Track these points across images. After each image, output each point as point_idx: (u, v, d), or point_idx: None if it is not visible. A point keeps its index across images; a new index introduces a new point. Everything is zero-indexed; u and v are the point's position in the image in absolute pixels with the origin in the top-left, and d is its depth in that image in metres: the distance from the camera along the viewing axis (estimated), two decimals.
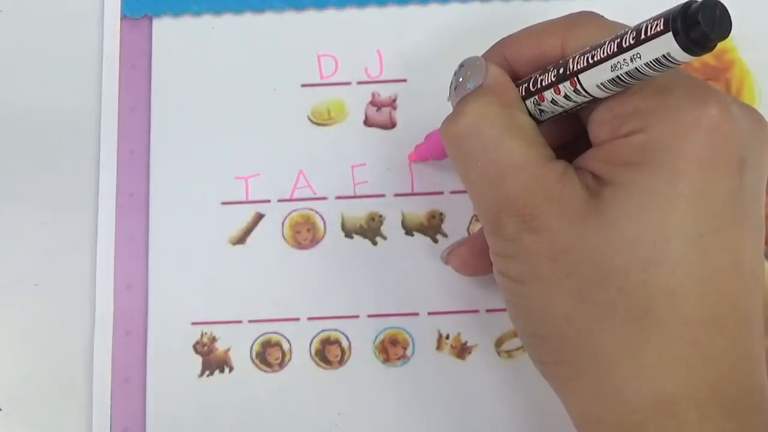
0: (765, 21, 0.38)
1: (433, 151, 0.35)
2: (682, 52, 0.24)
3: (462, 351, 0.35)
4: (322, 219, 0.37)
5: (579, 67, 0.27)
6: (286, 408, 0.35)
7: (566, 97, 0.28)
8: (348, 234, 0.37)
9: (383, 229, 0.36)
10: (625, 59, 0.25)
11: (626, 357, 0.26)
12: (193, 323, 0.36)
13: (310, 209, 0.37)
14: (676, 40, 0.24)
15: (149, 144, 0.38)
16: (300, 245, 0.37)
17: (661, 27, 0.24)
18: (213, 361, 0.36)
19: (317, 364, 0.35)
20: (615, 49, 0.26)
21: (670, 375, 0.25)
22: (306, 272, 0.36)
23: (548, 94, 0.28)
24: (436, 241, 0.36)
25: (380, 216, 0.37)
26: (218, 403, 0.35)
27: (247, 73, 0.38)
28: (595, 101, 0.27)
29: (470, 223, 0.36)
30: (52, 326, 0.36)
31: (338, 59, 0.38)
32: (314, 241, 0.37)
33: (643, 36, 0.25)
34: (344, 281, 0.36)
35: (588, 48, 0.27)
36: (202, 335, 0.36)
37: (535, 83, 0.29)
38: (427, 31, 0.38)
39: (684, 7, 0.24)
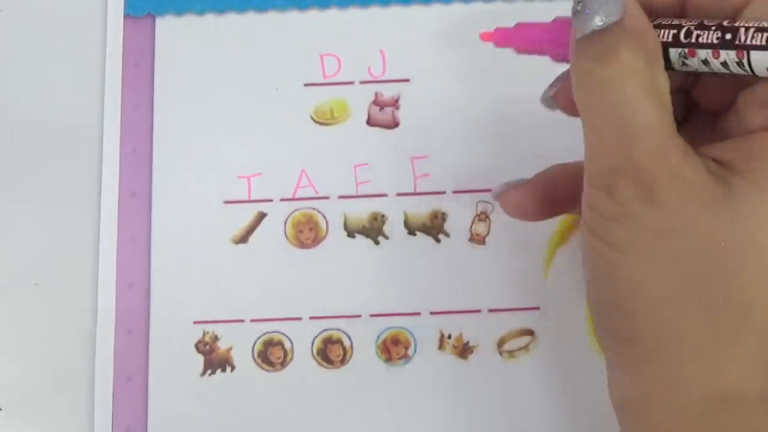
0: None
1: (527, 45, 0.32)
2: None
3: (464, 351, 0.35)
4: (325, 218, 0.37)
5: (755, 42, 0.24)
6: (287, 407, 0.35)
7: (724, 64, 0.25)
8: (350, 233, 0.37)
9: (386, 228, 0.36)
10: None
11: (715, 351, 0.25)
12: (195, 322, 0.36)
13: (313, 209, 0.37)
14: None
15: (152, 143, 0.38)
16: (302, 245, 0.37)
17: None
18: (215, 360, 0.36)
19: (319, 364, 0.35)
20: None
21: (753, 375, 0.25)
22: (308, 272, 0.36)
23: (703, 53, 0.25)
24: (438, 240, 0.36)
25: (383, 216, 0.37)
26: (220, 402, 0.35)
27: (250, 73, 0.38)
28: (754, 78, 0.25)
29: (472, 222, 0.36)
30: (53, 325, 0.36)
31: (341, 59, 0.38)
32: (316, 240, 0.37)
33: None
34: (346, 281, 0.36)
35: (767, 24, 0.24)
36: (204, 334, 0.36)
37: (689, 35, 0.26)
38: (430, 31, 0.38)
39: None
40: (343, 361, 0.35)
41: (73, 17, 0.39)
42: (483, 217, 0.36)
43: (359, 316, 0.36)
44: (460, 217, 0.36)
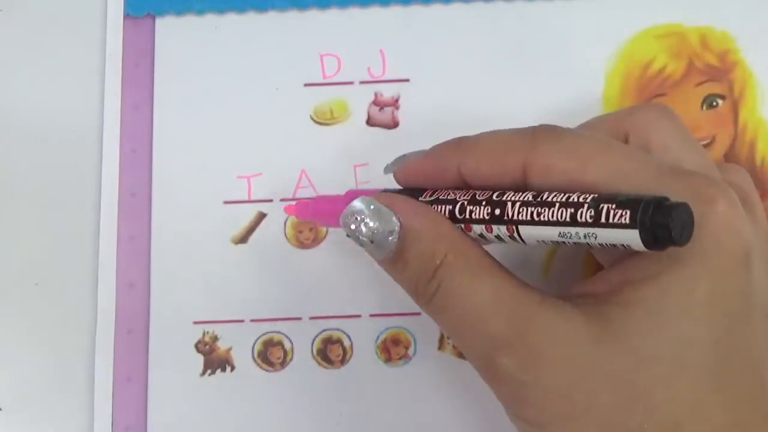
0: None
1: (324, 218, 0.33)
2: (641, 245, 0.23)
3: None
4: None
5: (521, 217, 0.25)
6: (287, 407, 0.35)
7: (498, 238, 0.26)
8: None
9: None
10: (577, 233, 0.24)
11: None
12: (195, 322, 0.36)
13: None
14: (641, 236, 0.23)
15: (152, 143, 0.37)
16: (302, 245, 0.37)
17: (627, 220, 0.23)
18: (215, 361, 0.36)
19: (319, 364, 0.35)
20: (567, 219, 0.24)
21: None
22: (308, 272, 0.36)
23: (478, 228, 0.27)
24: None
25: None
26: (220, 402, 0.35)
27: (250, 73, 0.38)
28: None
29: None
30: (53, 325, 0.36)
31: (341, 59, 0.38)
32: (316, 240, 0.37)
33: (603, 220, 0.23)
34: (346, 281, 0.36)
35: (531, 198, 0.25)
36: (203, 334, 0.36)
37: (462, 211, 0.27)
38: (430, 30, 0.38)
39: (654, 205, 0.23)
40: (343, 361, 0.35)
41: (73, 17, 0.39)
42: None
43: (359, 316, 0.36)
44: None
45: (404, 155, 0.30)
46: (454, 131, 0.37)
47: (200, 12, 0.39)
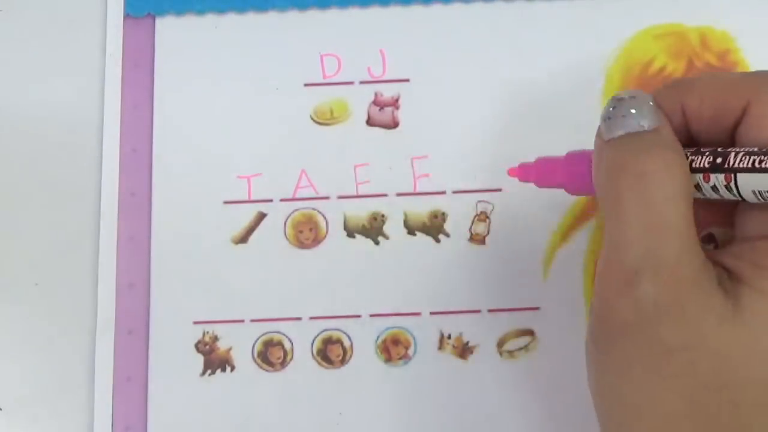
0: None
1: (544, 179, 0.32)
2: None
3: (464, 351, 0.35)
4: (325, 218, 0.37)
5: (741, 165, 0.25)
6: (287, 407, 0.35)
7: (714, 188, 0.25)
8: (350, 233, 0.37)
9: (385, 228, 0.36)
10: None
11: None
12: (195, 322, 0.36)
13: (313, 209, 0.37)
14: None
15: (152, 143, 0.38)
16: (302, 245, 0.37)
17: None
18: (215, 361, 0.36)
19: (319, 364, 0.35)
20: None
21: None
22: (308, 272, 0.36)
23: (694, 178, 0.26)
24: (438, 240, 0.36)
25: (382, 215, 0.37)
26: (220, 402, 0.35)
27: (250, 72, 0.38)
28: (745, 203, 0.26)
29: (472, 222, 0.36)
30: (53, 325, 0.36)
31: (341, 59, 0.38)
32: (316, 240, 0.37)
33: None
34: (346, 281, 0.36)
35: (757, 149, 0.25)
36: (203, 334, 0.36)
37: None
38: (430, 31, 0.38)
39: None
40: (343, 361, 0.35)
41: (73, 17, 0.39)
42: (483, 217, 0.36)
43: (359, 316, 0.36)
44: (459, 217, 0.36)
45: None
46: (454, 131, 0.37)
47: (200, 12, 0.39)
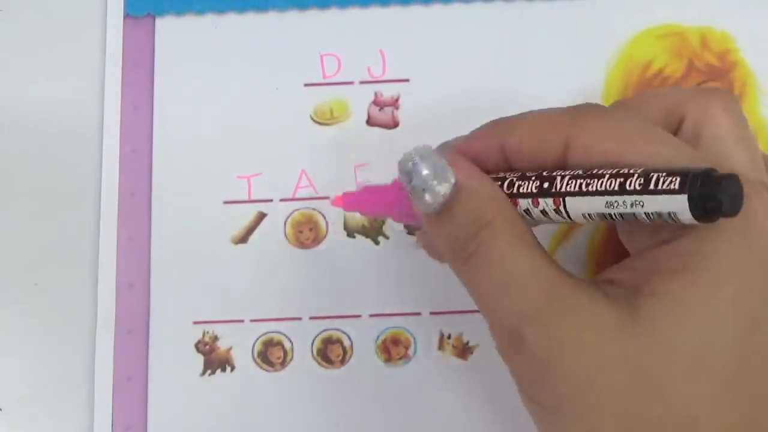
0: None
1: (370, 207, 0.32)
2: (689, 215, 0.23)
3: (464, 351, 0.35)
4: (324, 218, 0.37)
5: (568, 189, 0.25)
6: (287, 407, 0.35)
7: (543, 212, 0.26)
8: (350, 233, 0.37)
9: (385, 228, 0.36)
10: (624, 201, 0.24)
11: None
12: (195, 322, 0.36)
13: (313, 209, 0.37)
14: (689, 205, 0.23)
15: (151, 143, 0.37)
16: (302, 245, 0.37)
17: (676, 186, 0.23)
18: (215, 360, 0.36)
19: (319, 364, 0.35)
20: (616, 188, 0.24)
21: None
22: (308, 272, 0.36)
23: (524, 203, 0.26)
24: None
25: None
26: (220, 402, 0.35)
27: (250, 72, 0.38)
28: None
29: None
30: (53, 325, 0.36)
31: (341, 59, 0.38)
32: (316, 240, 0.37)
33: (652, 186, 0.23)
34: (346, 281, 0.36)
35: (581, 171, 0.25)
36: (203, 334, 0.36)
37: (510, 186, 0.27)
38: (430, 30, 0.38)
39: (704, 174, 0.23)
40: (343, 361, 0.35)
41: (73, 17, 0.39)
42: None
43: (359, 316, 0.36)
44: None
45: (446, 142, 0.30)
46: (454, 131, 0.37)
47: (200, 12, 0.39)
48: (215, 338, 0.36)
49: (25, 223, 0.37)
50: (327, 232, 0.37)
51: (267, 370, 0.35)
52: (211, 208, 0.37)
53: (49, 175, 0.38)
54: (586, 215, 0.25)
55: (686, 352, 0.24)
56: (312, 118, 0.38)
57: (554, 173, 0.26)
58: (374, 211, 0.33)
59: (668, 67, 0.38)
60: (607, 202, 0.24)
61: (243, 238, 0.37)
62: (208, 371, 0.35)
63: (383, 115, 0.38)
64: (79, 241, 0.37)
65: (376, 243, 0.36)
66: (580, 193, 0.25)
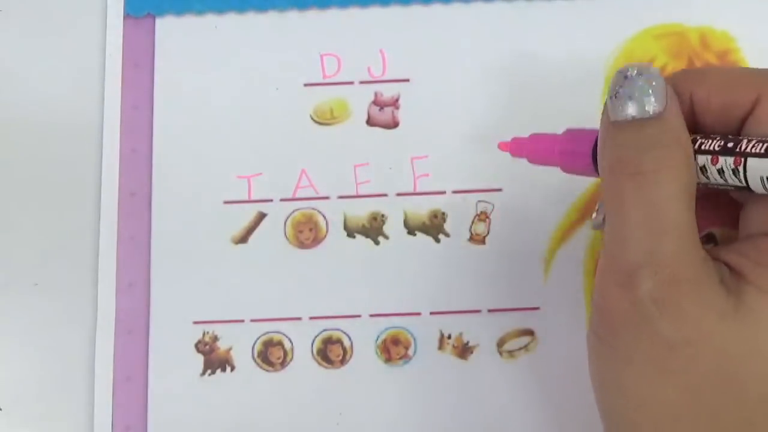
0: None
1: (538, 155, 0.32)
2: None
3: (464, 351, 0.35)
4: (325, 218, 0.37)
5: (753, 150, 0.25)
6: (287, 407, 0.35)
7: (720, 172, 0.25)
8: (350, 233, 0.37)
9: (385, 228, 0.36)
10: None
11: None
12: (195, 322, 0.36)
13: (313, 208, 0.37)
14: None
15: (151, 143, 0.38)
16: (302, 245, 0.37)
17: None
18: (215, 360, 0.36)
19: (319, 364, 0.35)
20: None
21: None
22: (308, 272, 0.36)
23: (702, 159, 0.26)
24: (438, 240, 0.36)
25: (382, 215, 0.37)
26: (220, 402, 0.35)
27: (250, 72, 0.38)
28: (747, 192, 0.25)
29: (472, 222, 0.36)
30: (53, 325, 0.36)
31: (341, 59, 0.38)
32: (316, 240, 0.37)
33: None
34: (346, 281, 0.36)
35: None
36: (203, 334, 0.36)
37: (693, 142, 0.26)
38: (430, 30, 0.38)
39: None
40: (343, 361, 0.35)
41: (73, 17, 0.39)
42: (483, 217, 0.36)
43: (359, 316, 0.36)
44: (460, 217, 0.36)
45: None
46: (454, 131, 0.37)
47: (200, 12, 0.39)
48: (215, 338, 0.36)
49: (25, 223, 0.37)
50: (327, 232, 0.37)
51: (267, 370, 0.35)
52: (211, 207, 0.37)
53: (50, 175, 0.38)
54: (764, 179, 0.24)
55: None
56: (312, 118, 0.38)
57: (740, 137, 0.25)
58: (542, 159, 0.31)
59: (668, 66, 0.38)
60: None
61: (243, 238, 0.37)
62: (208, 371, 0.35)
63: (383, 115, 0.38)
64: (79, 241, 0.37)
65: (376, 243, 0.36)
66: (765, 155, 0.24)
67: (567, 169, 0.30)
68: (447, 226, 0.36)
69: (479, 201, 0.37)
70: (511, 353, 0.35)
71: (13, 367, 0.36)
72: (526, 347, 0.35)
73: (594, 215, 0.31)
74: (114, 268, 0.36)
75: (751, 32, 0.38)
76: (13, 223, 0.37)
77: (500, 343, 0.35)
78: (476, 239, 0.36)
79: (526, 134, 0.36)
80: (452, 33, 0.38)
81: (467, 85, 0.38)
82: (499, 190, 0.36)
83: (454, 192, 0.37)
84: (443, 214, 0.37)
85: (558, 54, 0.38)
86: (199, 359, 0.36)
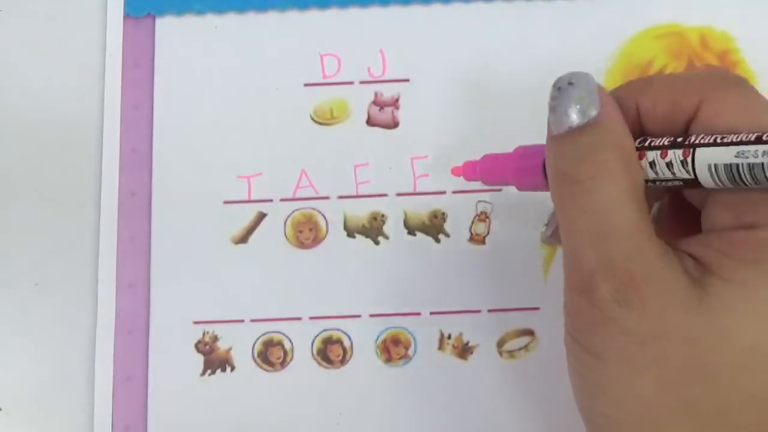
0: None
1: (491, 176, 0.32)
2: None
3: (464, 351, 0.35)
4: (325, 218, 0.37)
5: (701, 141, 0.25)
6: (287, 407, 0.35)
7: (669, 165, 0.26)
8: (350, 233, 0.37)
9: (385, 228, 0.36)
10: (756, 151, 0.24)
11: None
12: (195, 322, 0.36)
13: (313, 209, 0.37)
14: None
15: (152, 143, 0.38)
16: (302, 245, 0.37)
17: None
18: (215, 361, 0.36)
19: (319, 364, 0.35)
20: (752, 138, 0.24)
21: None
22: (308, 272, 0.36)
23: (651, 155, 0.26)
24: (438, 240, 0.36)
25: (382, 215, 0.37)
26: (220, 402, 0.35)
27: (250, 72, 0.38)
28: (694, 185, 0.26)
29: (472, 222, 0.36)
30: (53, 325, 0.36)
31: (341, 59, 0.38)
32: (316, 240, 0.37)
33: None
34: (346, 281, 0.36)
35: (718, 134, 0.25)
36: (203, 334, 0.36)
37: (642, 142, 0.27)
38: (430, 30, 0.38)
39: None
40: (343, 361, 0.35)
41: (73, 17, 0.39)
42: (483, 217, 0.36)
43: (359, 316, 0.36)
44: (460, 217, 0.36)
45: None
46: (454, 131, 0.37)
47: (200, 12, 0.39)
48: (215, 338, 0.36)
49: (25, 223, 0.37)
50: (327, 232, 0.37)
51: (267, 371, 0.35)
52: (211, 207, 0.37)
53: (49, 175, 0.38)
54: (712, 167, 0.25)
55: (743, 346, 0.24)
56: (312, 118, 0.38)
57: (689, 135, 0.26)
58: (495, 180, 0.32)
59: (668, 66, 0.38)
60: (738, 152, 0.24)
61: (243, 238, 0.37)
62: (208, 371, 0.35)
63: (383, 115, 0.38)
64: (79, 241, 0.37)
65: (376, 243, 0.36)
66: (713, 144, 0.25)
67: (521, 187, 0.30)
68: (447, 226, 0.36)
69: (479, 201, 0.37)
70: (511, 353, 0.35)
71: (13, 367, 0.36)
72: (526, 347, 0.35)
73: (543, 228, 0.32)
74: (114, 268, 0.36)
75: (751, 32, 0.38)
76: (13, 223, 0.37)
77: (500, 343, 0.35)
78: (476, 239, 0.36)
79: (528, 134, 0.36)
80: (452, 33, 0.38)
81: (467, 85, 0.38)
82: (499, 190, 0.36)
83: (454, 192, 0.37)
84: (443, 214, 0.37)
85: (558, 54, 0.38)
86: (199, 359, 0.36)
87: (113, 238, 0.37)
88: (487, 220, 0.36)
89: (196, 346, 0.36)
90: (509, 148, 0.33)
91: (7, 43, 0.39)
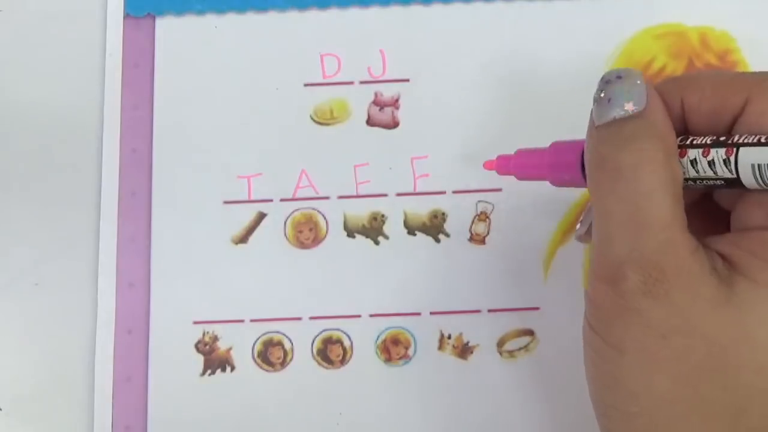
0: None
1: (525, 171, 0.32)
2: None
3: (464, 351, 0.35)
4: (325, 218, 0.37)
5: (745, 141, 0.25)
6: (287, 407, 0.35)
7: (711, 163, 0.26)
8: (350, 233, 0.37)
9: (385, 228, 0.36)
10: None
11: None
12: (195, 322, 0.36)
13: (313, 209, 0.37)
14: None
15: (152, 143, 0.38)
16: (302, 245, 0.37)
17: None
18: (215, 361, 0.36)
19: (319, 364, 0.35)
20: None
21: None
22: (308, 272, 0.36)
23: (693, 153, 0.26)
24: (438, 240, 0.36)
25: (382, 215, 0.37)
26: (220, 402, 0.35)
27: (250, 72, 0.38)
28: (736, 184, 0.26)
29: (472, 222, 0.36)
30: (53, 325, 0.36)
31: (341, 59, 0.38)
32: (316, 240, 0.37)
33: None
34: (346, 281, 0.36)
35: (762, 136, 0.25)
36: (203, 334, 0.36)
37: (684, 139, 0.27)
38: (430, 30, 0.38)
39: None
40: (343, 361, 0.35)
41: (73, 17, 0.39)
42: (483, 217, 0.36)
43: (359, 316, 0.36)
44: (460, 217, 0.36)
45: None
46: (454, 131, 0.37)
47: (200, 12, 0.39)
48: (215, 338, 0.36)
49: (25, 223, 0.37)
50: (327, 232, 0.37)
51: (267, 371, 0.35)
52: (211, 207, 0.37)
53: (50, 175, 0.38)
54: (755, 167, 0.25)
55: (766, 348, 0.24)
56: (312, 118, 0.38)
57: (732, 134, 0.26)
58: (529, 174, 0.32)
59: (668, 66, 0.38)
60: None
61: (243, 238, 0.37)
62: (208, 371, 0.35)
63: (383, 115, 0.38)
64: (79, 241, 0.37)
65: (376, 243, 0.36)
66: (757, 144, 0.25)
67: (556, 182, 0.30)
68: (447, 226, 0.36)
69: (479, 201, 0.37)
70: (511, 353, 0.35)
71: (13, 367, 0.36)
72: (526, 347, 0.35)
73: (578, 226, 0.32)
74: (114, 267, 0.36)
75: (751, 32, 0.38)
76: (13, 223, 0.37)
77: (500, 343, 0.35)
78: (476, 239, 0.36)
79: (526, 134, 0.36)
80: (452, 33, 0.38)
81: (467, 85, 0.38)
82: (499, 190, 0.36)
83: (454, 192, 0.37)
84: (443, 214, 0.37)
85: (558, 54, 0.38)
86: (199, 359, 0.36)
87: (113, 238, 0.37)
88: (487, 220, 0.36)
89: (196, 346, 0.36)
90: (510, 147, 0.33)
91: (8, 42, 0.39)
